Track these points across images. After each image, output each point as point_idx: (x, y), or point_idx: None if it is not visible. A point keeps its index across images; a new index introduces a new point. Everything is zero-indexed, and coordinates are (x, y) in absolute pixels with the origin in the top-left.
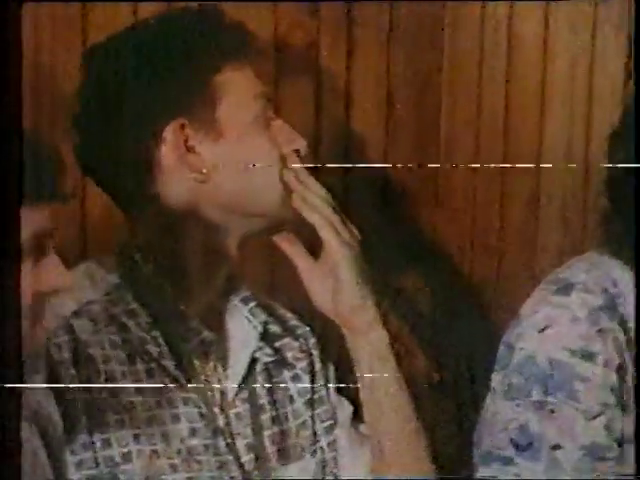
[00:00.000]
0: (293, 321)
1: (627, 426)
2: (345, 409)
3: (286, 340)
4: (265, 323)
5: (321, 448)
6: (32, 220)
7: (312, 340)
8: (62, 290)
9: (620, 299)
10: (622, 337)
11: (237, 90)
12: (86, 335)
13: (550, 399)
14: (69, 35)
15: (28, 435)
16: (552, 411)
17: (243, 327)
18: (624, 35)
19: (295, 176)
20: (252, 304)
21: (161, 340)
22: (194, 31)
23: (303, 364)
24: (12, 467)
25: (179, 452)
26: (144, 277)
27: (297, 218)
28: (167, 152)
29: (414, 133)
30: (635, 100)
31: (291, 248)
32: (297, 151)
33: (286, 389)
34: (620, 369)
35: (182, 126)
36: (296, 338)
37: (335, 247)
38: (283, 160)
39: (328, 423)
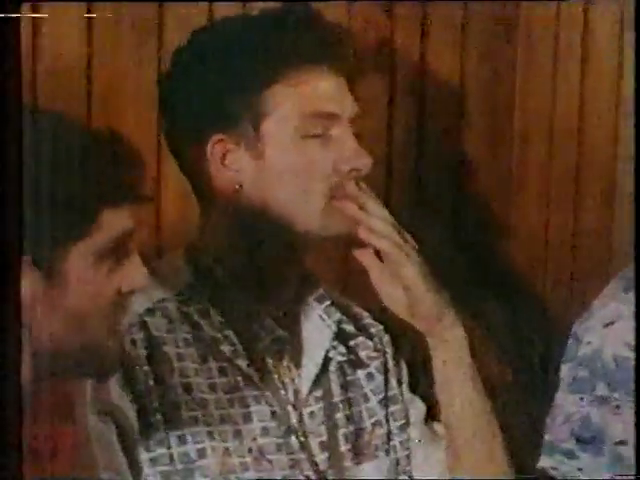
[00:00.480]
0: (367, 319)
1: None
2: (418, 407)
3: (360, 339)
4: (339, 322)
5: (394, 447)
6: (114, 221)
7: (386, 338)
8: (148, 290)
9: None
10: None
11: (286, 107)
12: (160, 332)
13: (615, 395)
14: (144, 37)
15: (102, 428)
16: (617, 407)
17: (317, 326)
18: None
19: (356, 202)
20: (326, 303)
21: (234, 339)
22: (268, 35)
23: (377, 363)
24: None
25: (250, 451)
26: (217, 276)
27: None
28: (209, 163)
29: (488, 131)
30: (635, 100)
31: (361, 253)
32: (356, 170)
33: (360, 387)
34: None
35: (221, 141)
36: (370, 337)
37: (407, 266)
38: (335, 178)
39: (402, 422)
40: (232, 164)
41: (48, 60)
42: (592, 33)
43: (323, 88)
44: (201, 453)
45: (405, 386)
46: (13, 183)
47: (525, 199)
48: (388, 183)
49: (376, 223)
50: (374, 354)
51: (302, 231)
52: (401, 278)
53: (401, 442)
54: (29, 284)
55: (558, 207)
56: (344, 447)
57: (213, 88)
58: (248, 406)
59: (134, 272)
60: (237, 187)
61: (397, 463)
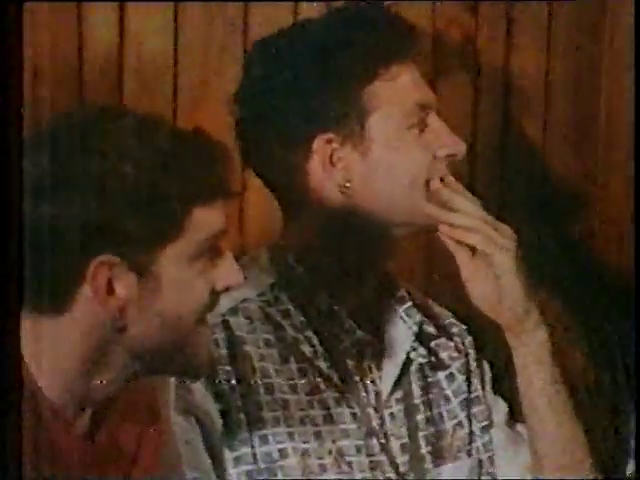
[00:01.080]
0: (448, 320)
1: None
2: (501, 408)
3: (441, 340)
4: (420, 323)
5: (477, 448)
6: (206, 221)
7: (468, 339)
8: (235, 288)
9: None
10: None
11: (389, 102)
12: (242, 332)
13: None
14: (229, 36)
15: (187, 427)
16: None
17: (398, 327)
18: None
19: (443, 199)
20: (407, 304)
21: (315, 340)
22: (356, 33)
23: (458, 364)
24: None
25: (330, 452)
26: (298, 277)
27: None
28: (315, 164)
29: (572, 130)
30: (635, 99)
31: (454, 245)
32: (453, 155)
33: (441, 389)
34: None
35: (329, 141)
36: (451, 337)
37: (499, 259)
38: (434, 166)
39: (484, 423)
40: (339, 162)
41: (133, 59)
42: None
43: (415, 81)
44: (283, 453)
45: (488, 387)
46: None
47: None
48: (471, 182)
49: (463, 219)
50: (455, 355)
51: (407, 222)
52: (494, 266)
53: (484, 444)
54: (124, 287)
55: None
56: (425, 449)
57: (309, 89)
58: (328, 408)
59: (229, 270)
60: (346, 185)
61: (480, 465)
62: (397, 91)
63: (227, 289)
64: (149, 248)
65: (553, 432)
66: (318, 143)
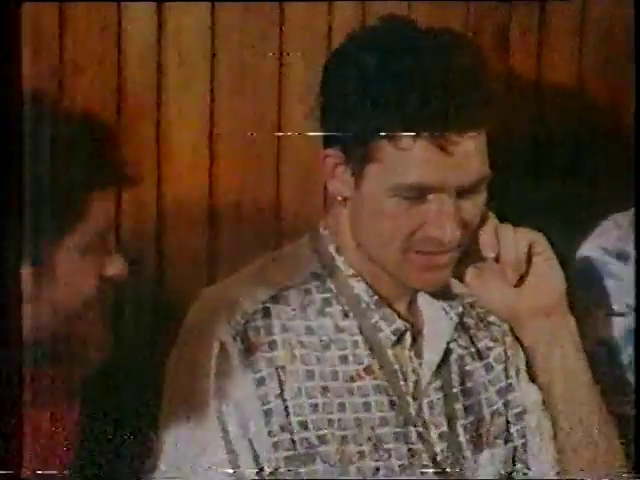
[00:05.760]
0: (485, 309)
1: None
2: (534, 395)
3: (480, 329)
4: (461, 315)
5: (512, 435)
6: (102, 210)
7: (504, 326)
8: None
9: None
10: None
11: (387, 166)
12: (282, 320)
13: None
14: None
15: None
16: None
17: (439, 317)
18: None
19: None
20: (449, 295)
21: (355, 329)
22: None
23: (495, 353)
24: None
25: (369, 439)
26: (339, 267)
27: None
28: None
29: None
30: (636, 99)
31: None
32: (438, 240)
33: (479, 377)
34: None
35: (332, 155)
36: (488, 326)
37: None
38: (413, 238)
39: (518, 409)
40: (340, 176)
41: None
42: None
43: (428, 157)
44: (322, 439)
45: (523, 374)
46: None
47: None
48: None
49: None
50: (492, 344)
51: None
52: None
53: (517, 430)
54: (25, 281)
55: None
56: (463, 437)
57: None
58: (367, 395)
59: (116, 262)
60: (339, 198)
61: (514, 451)
62: (398, 162)
63: (114, 278)
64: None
65: (585, 420)
66: (326, 151)
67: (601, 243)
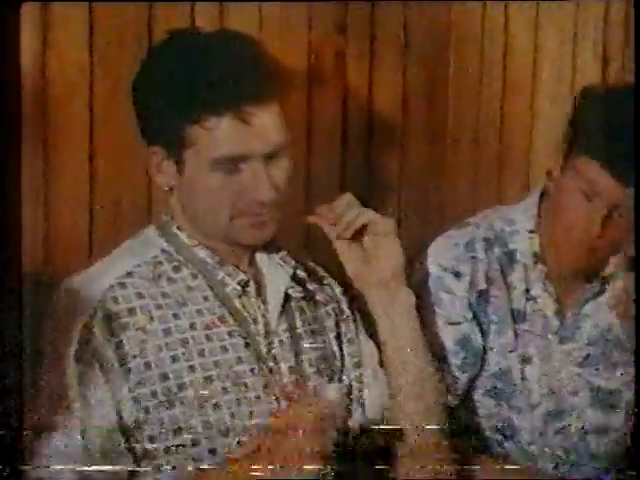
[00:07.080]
0: (321, 273)
1: None
2: (371, 349)
3: (314, 285)
4: (295, 268)
5: (349, 377)
6: None
7: (338, 289)
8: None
9: None
10: None
11: (200, 147)
12: (138, 289)
13: None
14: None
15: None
16: None
17: (276, 269)
18: None
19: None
20: (283, 253)
21: (205, 287)
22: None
23: (330, 307)
24: None
25: (228, 376)
26: (183, 241)
27: None
28: (152, 164)
29: None
30: (635, 98)
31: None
32: (258, 200)
33: (321, 322)
34: None
35: (156, 152)
36: (322, 284)
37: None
38: (239, 205)
39: (355, 360)
40: (163, 170)
41: None
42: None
43: (232, 133)
44: (181, 386)
45: (362, 332)
46: None
47: None
48: None
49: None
50: (328, 298)
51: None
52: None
53: (356, 376)
54: None
55: None
56: (309, 370)
57: (163, 105)
58: (224, 340)
59: None
60: (165, 189)
61: (350, 390)
62: (209, 140)
63: None
64: None
65: (413, 380)
66: (151, 149)
67: (440, 261)
